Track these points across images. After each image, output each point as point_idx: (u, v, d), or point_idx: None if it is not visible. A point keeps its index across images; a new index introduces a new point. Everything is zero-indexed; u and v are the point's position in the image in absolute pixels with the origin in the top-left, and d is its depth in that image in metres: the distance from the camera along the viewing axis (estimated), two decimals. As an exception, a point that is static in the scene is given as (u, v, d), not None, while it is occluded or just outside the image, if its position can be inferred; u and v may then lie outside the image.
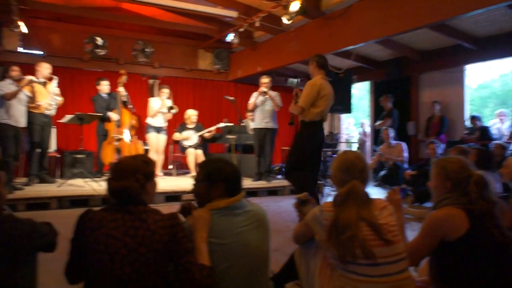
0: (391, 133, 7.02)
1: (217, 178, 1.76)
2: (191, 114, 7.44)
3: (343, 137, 9.59)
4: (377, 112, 8.16)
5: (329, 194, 6.27)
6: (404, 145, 6.88)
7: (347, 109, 6.56)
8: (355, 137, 10.30)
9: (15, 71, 5.33)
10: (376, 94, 8.53)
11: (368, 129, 9.75)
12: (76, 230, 1.54)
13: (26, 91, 5.42)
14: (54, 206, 4.85)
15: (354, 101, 6.90)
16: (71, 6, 7.28)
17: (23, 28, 6.30)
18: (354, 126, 10.79)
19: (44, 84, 5.63)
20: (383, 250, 1.57)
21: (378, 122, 7.76)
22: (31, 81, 5.38)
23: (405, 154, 6.81)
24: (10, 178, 5.17)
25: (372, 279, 1.56)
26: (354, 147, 9.69)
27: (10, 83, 5.25)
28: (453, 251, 1.71)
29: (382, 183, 6.80)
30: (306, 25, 6.57)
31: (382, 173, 6.90)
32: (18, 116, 5.30)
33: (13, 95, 5.15)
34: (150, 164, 1.67)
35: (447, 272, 1.74)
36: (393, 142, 6.98)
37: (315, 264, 1.80)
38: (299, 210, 2.11)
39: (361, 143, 9.77)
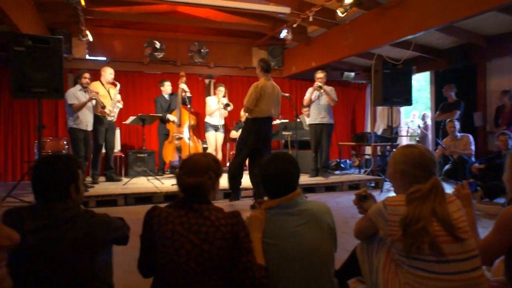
0: (457, 125, 6.64)
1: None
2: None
3: (404, 130, 9.23)
4: (438, 103, 7.76)
5: (389, 190, 6.08)
6: (470, 138, 6.49)
7: (407, 101, 6.30)
8: (416, 130, 9.87)
9: (85, 78, 5.69)
10: (438, 84, 8.11)
11: (429, 122, 9.30)
12: (144, 226, 1.62)
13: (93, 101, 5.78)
14: (121, 202, 5.13)
15: (413, 93, 6.60)
16: (132, 13, 7.65)
17: (90, 37, 6.74)
18: (419, 118, 10.34)
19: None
20: (453, 246, 1.50)
21: (437, 113, 7.39)
22: (94, 99, 5.71)
23: (472, 147, 6.42)
24: (83, 177, 5.55)
25: (441, 277, 1.49)
26: (413, 141, 9.30)
27: (79, 89, 5.62)
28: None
29: (446, 177, 6.46)
30: (362, 17, 6.39)
31: (447, 167, 6.55)
32: (87, 121, 5.69)
33: (80, 107, 5.52)
34: (220, 163, 1.74)
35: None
36: (459, 134, 6.60)
37: (379, 260, 1.76)
38: (359, 206, 2.06)
39: (422, 136, 9.34)
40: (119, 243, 1.67)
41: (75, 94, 5.56)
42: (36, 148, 6.18)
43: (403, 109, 9.29)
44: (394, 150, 6.65)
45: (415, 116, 10.38)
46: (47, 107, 7.25)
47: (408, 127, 9.60)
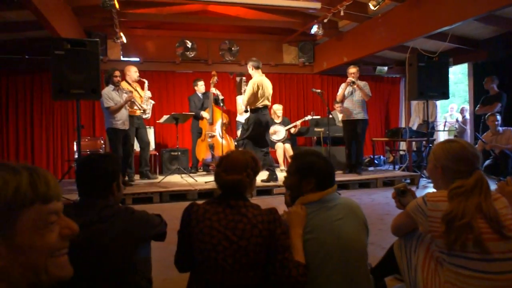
0: (499, 119, 6.36)
1: (308, 173, 1.74)
2: (276, 109, 7.54)
3: (441, 125, 8.94)
4: (477, 96, 7.45)
5: (425, 186, 5.92)
6: (514, 132, 6.21)
7: (443, 95, 6.09)
8: (454, 125, 9.55)
9: (116, 77, 5.76)
10: (476, 77, 7.79)
11: (468, 116, 8.96)
12: (182, 222, 1.64)
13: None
14: (156, 200, 5.24)
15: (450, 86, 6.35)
16: (163, 14, 7.78)
17: (123, 38, 6.91)
18: (457, 112, 9.99)
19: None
20: (498, 244, 1.44)
21: (478, 106, 7.10)
22: (130, 101, 5.82)
23: (516, 142, 6.14)
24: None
25: (485, 276, 1.43)
26: (451, 136, 8.99)
27: (112, 89, 5.71)
28: None
29: (486, 173, 6.21)
30: (395, 9, 6.22)
31: (487, 162, 6.30)
32: (124, 120, 5.79)
33: (117, 110, 5.64)
34: (257, 161, 1.73)
35: None
36: (501, 129, 6.33)
37: (417, 257, 1.72)
38: (397, 200, 2.02)
39: (461, 131, 9.01)
40: (157, 239, 1.71)
41: (109, 95, 5.61)
42: (76, 147, 6.40)
43: (439, 103, 8.99)
44: (430, 145, 6.46)
45: (453, 110, 10.02)
46: (84, 107, 7.50)
47: (446, 121, 9.29)
